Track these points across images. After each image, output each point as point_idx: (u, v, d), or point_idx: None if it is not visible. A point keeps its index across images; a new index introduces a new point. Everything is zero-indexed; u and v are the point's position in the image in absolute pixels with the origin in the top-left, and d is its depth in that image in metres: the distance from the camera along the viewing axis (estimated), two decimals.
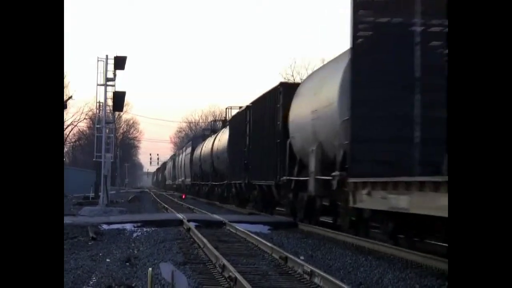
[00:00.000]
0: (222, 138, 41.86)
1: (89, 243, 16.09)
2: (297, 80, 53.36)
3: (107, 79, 33.65)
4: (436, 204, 10.49)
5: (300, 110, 21.39)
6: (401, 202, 12.10)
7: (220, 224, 21.89)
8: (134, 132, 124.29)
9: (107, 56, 33.51)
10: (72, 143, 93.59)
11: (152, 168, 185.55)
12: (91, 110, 79.26)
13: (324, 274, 10.04)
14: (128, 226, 20.58)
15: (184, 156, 68.41)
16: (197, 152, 55.52)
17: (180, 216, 24.17)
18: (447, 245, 12.51)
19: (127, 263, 12.23)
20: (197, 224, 20.96)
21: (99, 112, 35.25)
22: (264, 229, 20.68)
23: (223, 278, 10.59)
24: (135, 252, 14.17)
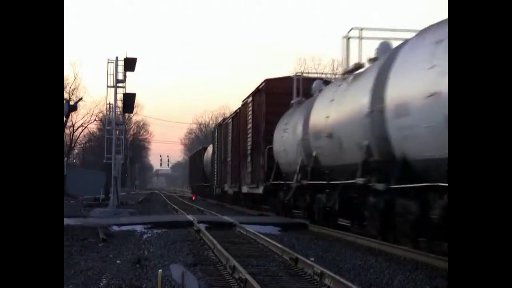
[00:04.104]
0: None
1: (100, 245, 16.12)
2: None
3: (118, 81, 33.68)
4: None
5: None
6: None
7: (230, 225, 21.94)
8: (144, 133, 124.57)
9: (117, 58, 33.56)
10: (82, 145, 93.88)
11: (163, 170, 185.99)
12: (101, 112, 79.63)
13: (335, 275, 10.05)
14: (138, 228, 20.62)
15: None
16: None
17: (190, 217, 24.21)
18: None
19: (137, 265, 12.25)
20: (207, 225, 20.99)
21: (109, 114, 35.31)
22: (274, 230, 20.71)
23: (233, 279, 10.61)
24: (146, 253, 14.19)
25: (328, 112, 19.56)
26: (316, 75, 30.70)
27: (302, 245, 16.18)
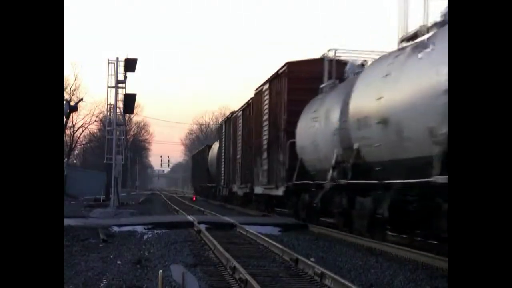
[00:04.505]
0: None
1: (100, 245, 16.13)
2: None
3: (118, 81, 33.73)
4: None
5: None
6: None
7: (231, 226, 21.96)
8: (145, 134, 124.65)
9: (117, 58, 33.61)
10: (82, 145, 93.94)
11: (164, 171, 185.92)
12: (101, 112, 79.72)
13: (335, 276, 10.05)
14: (139, 228, 20.63)
15: None
16: None
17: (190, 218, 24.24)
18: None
19: (138, 265, 12.25)
20: (207, 226, 21.00)
21: (109, 114, 35.36)
22: (275, 230, 20.71)
23: (233, 280, 10.62)
24: (146, 254, 14.20)
25: (381, 91, 15.06)
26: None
27: (303, 246, 16.18)
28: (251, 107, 33.41)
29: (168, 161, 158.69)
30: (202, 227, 19.99)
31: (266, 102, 28.79)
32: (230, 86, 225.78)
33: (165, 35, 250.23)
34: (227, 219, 24.38)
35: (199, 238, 17.89)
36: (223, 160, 44.82)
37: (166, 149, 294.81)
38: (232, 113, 42.26)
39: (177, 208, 37.13)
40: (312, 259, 12.83)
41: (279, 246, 14.66)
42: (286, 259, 13.20)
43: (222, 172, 45.17)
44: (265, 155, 28.63)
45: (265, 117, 28.95)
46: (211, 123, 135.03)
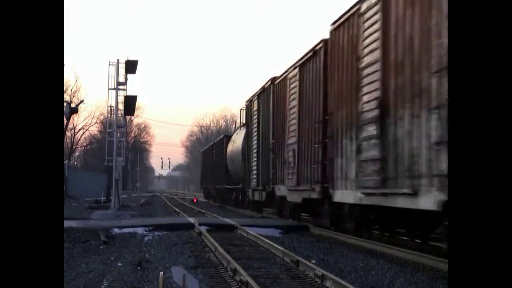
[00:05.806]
0: None
1: (101, 247, 16.13)
2: None
3: (119, 83, 33.70)
4: None
5: None
6: None
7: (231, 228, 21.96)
8: (146, 136, 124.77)
9: (118, 60, 33.57)
10: (83, 147, 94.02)
11: (164, 172, 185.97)
12: (102, 114, 79.81)
13: (336, 278, 10.04)
14: (140, 230, 20.62)
15: None
16: None
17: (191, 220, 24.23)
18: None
19: (139, 267, 12.25)
20: (208, 228, 21.00)
21: (110, 116, 35.34)
22: (276, 232, 20.70)
23: (234, 282, 10.61)
24: (147, 256, 14.20)
25: None
26: None
27: (303, 248, 16.18)
28: (320, 58, 20.73)
29: (169, 162, 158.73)
30: (203, 229, 20.00)
31: (374, 35, 15.58)
32: (231, 88, 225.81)
33: (165, 35, 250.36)
34: (228, 221, 24.37)
35: (200, 240, 17.88)
36: (255, 151, 32.11)
37: (166, 150, 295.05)
38: (273, 79, 28.15)
39: (178, 210, 37.11)
40: (313, 261, 12.83)
41: (280, 248, 14.65)
42: (287, 261, 13.20)
43: (254, 168, 32.12)
44: (371, 130, 15.63)
45: (369, 58, 15.87)
46: (212, 125, 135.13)
